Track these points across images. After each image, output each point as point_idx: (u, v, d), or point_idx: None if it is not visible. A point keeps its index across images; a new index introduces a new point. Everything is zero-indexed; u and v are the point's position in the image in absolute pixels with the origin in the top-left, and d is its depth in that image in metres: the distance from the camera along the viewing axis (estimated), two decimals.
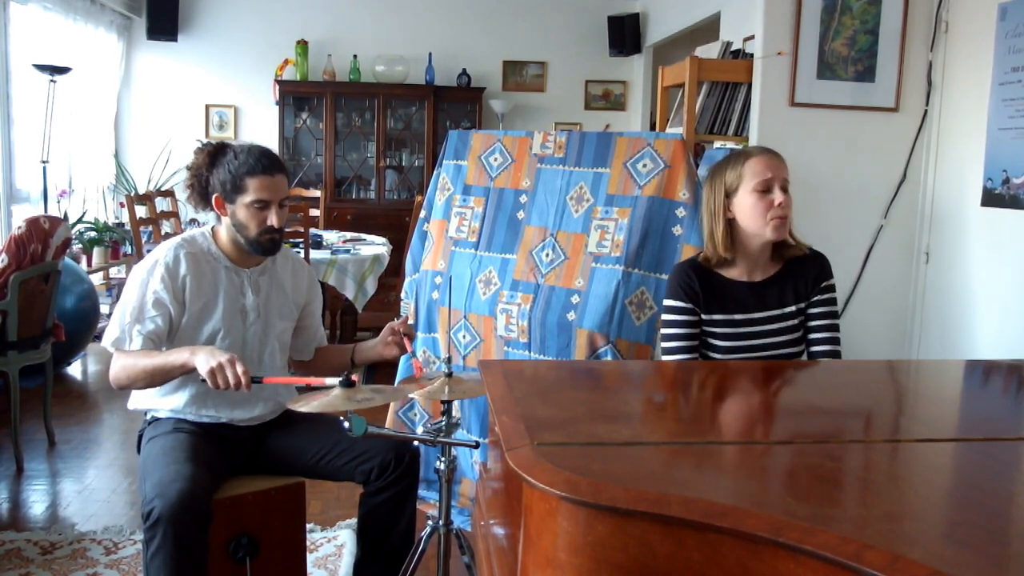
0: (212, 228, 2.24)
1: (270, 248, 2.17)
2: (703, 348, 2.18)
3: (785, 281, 2.17)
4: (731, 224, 2.15)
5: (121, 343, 2.06)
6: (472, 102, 7.28)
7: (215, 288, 2.17)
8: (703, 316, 2.15)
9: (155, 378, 2.03)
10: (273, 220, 2.12)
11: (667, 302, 2.18)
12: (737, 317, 2.14)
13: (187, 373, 2.02)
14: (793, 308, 2.16)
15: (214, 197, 2.16)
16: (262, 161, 2.11)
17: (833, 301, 2.21)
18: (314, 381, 1.93)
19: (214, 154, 2.16)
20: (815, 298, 2.18)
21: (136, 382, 2.04)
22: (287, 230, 3.29)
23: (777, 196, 2.08)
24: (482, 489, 1.85)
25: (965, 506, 1.19)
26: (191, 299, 2.13)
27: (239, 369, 1.89)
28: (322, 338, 2.44)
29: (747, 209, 2.10)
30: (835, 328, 2.20)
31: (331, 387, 1.83)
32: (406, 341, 2.17)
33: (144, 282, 2.10)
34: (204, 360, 1.92)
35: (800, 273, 2.18)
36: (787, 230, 2.13)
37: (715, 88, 3.29)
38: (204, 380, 1.92)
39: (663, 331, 2.21)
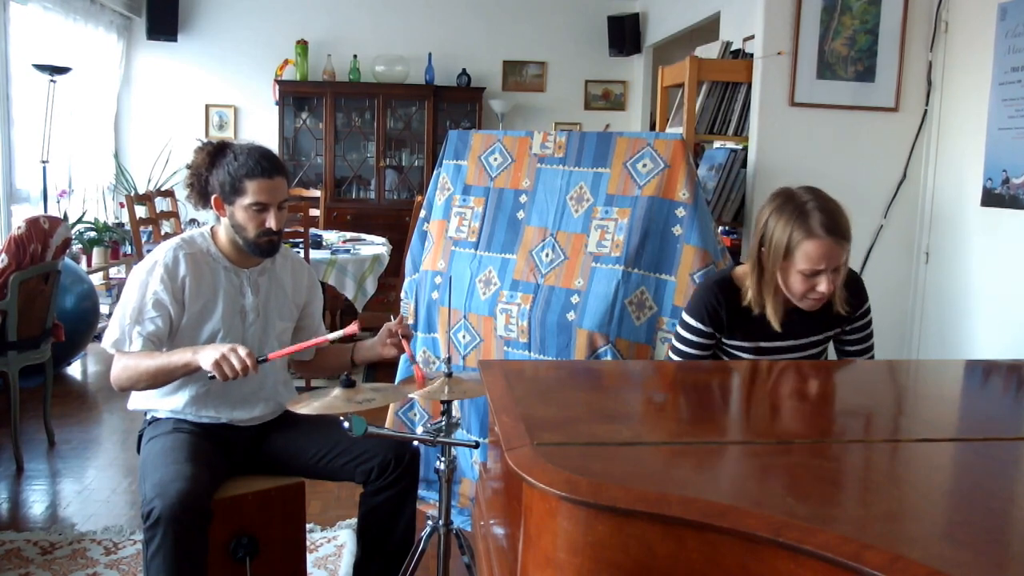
0: (211, 228, 2.24)
1: (268, 250, 2.17)
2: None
3: (815, 312, 2.07)
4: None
5: (121, 344, 2.06)
6: (472, 102, 7.28)
7: (214, 289, 2.17)
8: (724, 341, 2.12)
9: (158, 379, 2.03)
10: (271, 223, 2.12)
11: (688, 319, 2.13)
12: (762, 345, 2.10)
13: (190, 373, 2.03)
14: (820, 337, 2.13)
15: (213, 198, 2.16)
16: (261, 163, 2.11)
17: (869, 325, 2.17)
18: (316, 342, 2.11)
19: (214, 154, 2.16)
20: (849, 326, 2.14)
21: (138, 383, 2.05)
22: (287, 230, 3.29)
23: (822, 284, 1.94)
24: (482, 489, 1.85)
25: (965, 506, 1.19)
26: (190, 300, 2.13)
27: (242, 353, 1.91)
28: None
29: (790, 282, 1.99)
30: (869, 353, 2.19)
31: (335, 340, 2.05)
32: (404, 342, 2.17)
33: (143, 283, 2.10)
34: (208, 356, 1.93)
35: (831, 304, 2.07)
36: (822, 304, 2.02)
37: (715, 88, 3.28)
38: (213, 376, 1.93)
39: (675, 343, 2.17)
